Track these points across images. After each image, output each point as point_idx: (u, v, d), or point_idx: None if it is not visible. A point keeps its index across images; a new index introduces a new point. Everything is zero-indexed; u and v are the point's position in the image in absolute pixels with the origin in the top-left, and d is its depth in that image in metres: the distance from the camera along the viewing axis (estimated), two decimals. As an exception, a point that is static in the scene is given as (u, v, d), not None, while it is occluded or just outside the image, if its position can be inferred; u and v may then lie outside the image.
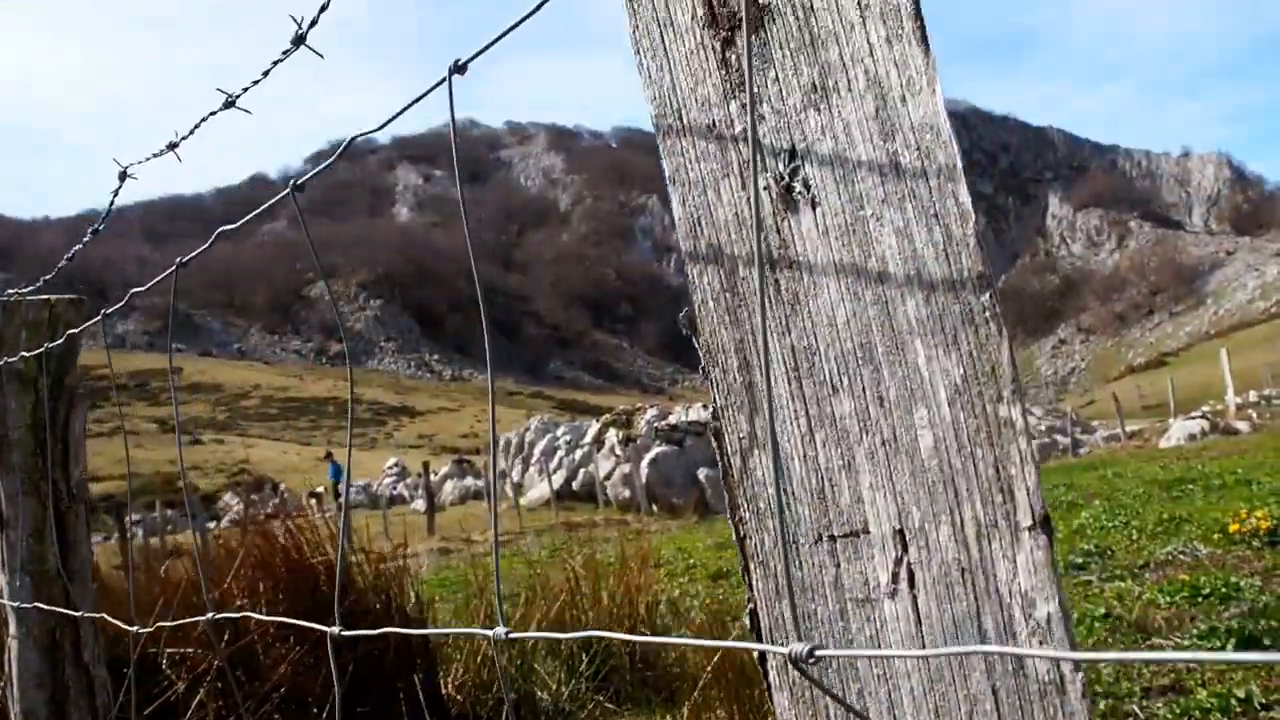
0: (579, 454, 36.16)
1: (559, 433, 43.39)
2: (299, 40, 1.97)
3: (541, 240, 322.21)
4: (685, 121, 1.21)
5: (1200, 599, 6.57)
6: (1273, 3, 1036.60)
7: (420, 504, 35.61)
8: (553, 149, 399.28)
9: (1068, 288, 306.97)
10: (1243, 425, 29.16)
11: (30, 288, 3.59)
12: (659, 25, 1.21)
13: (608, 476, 32.34)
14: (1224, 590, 6.60)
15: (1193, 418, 31.06)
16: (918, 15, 1.05)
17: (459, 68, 1.44)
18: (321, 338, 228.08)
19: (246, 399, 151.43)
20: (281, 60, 2.01)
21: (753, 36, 0.96)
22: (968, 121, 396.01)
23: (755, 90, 1.13)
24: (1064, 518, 12.05)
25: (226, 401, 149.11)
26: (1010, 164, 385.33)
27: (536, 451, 42.56)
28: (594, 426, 39.10)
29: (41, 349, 3.35)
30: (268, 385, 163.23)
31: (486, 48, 1.38)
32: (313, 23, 1.93)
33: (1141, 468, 18.65)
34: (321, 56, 1.98)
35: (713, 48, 1.16)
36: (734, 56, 1.15)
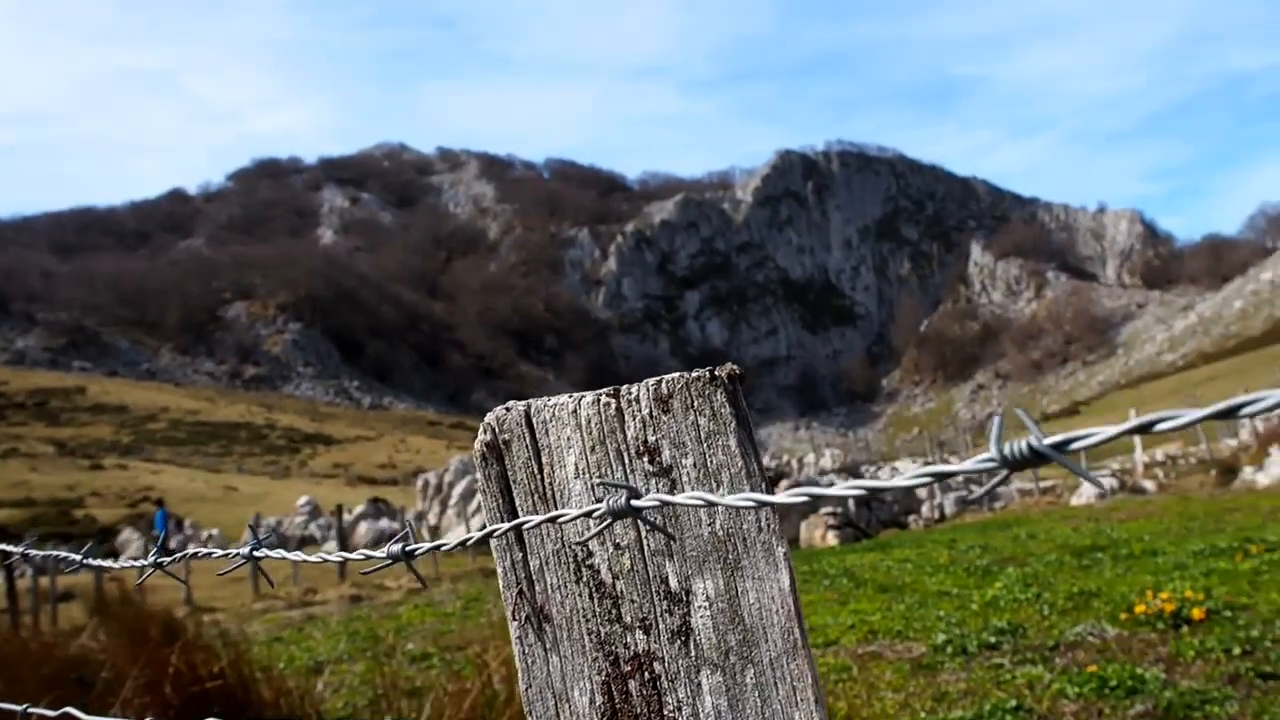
0: (499, 495, 35.96)
1: (479, 474, 43.07)
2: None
3: (469, 268, 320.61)
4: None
5: (1107, 690, 6.68)
6: (1191, 67, 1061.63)
7: (332, 545, 35.13)
8: (484, 177, 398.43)
9: (987, 334, 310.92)
10: (1150, 485, 29.74)
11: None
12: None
13: (527, 519, 32.18)
14: (1130, 683, 6.72)
15: (1102, 475, 31.55)
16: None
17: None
18: (236, 360, 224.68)
19: (154, 422, 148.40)
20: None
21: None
22: (896, 169, 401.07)
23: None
24: (979, 585, 12.21)
25: (132, 424, 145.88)
26: (935, 212, 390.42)
27: (455, 493, 42.12)
28: (514, 465, 38.87)
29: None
30: (177, 408, 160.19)
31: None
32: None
33: (1054, 528, 18.96)
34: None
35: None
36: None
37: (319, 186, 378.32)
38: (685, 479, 1.45)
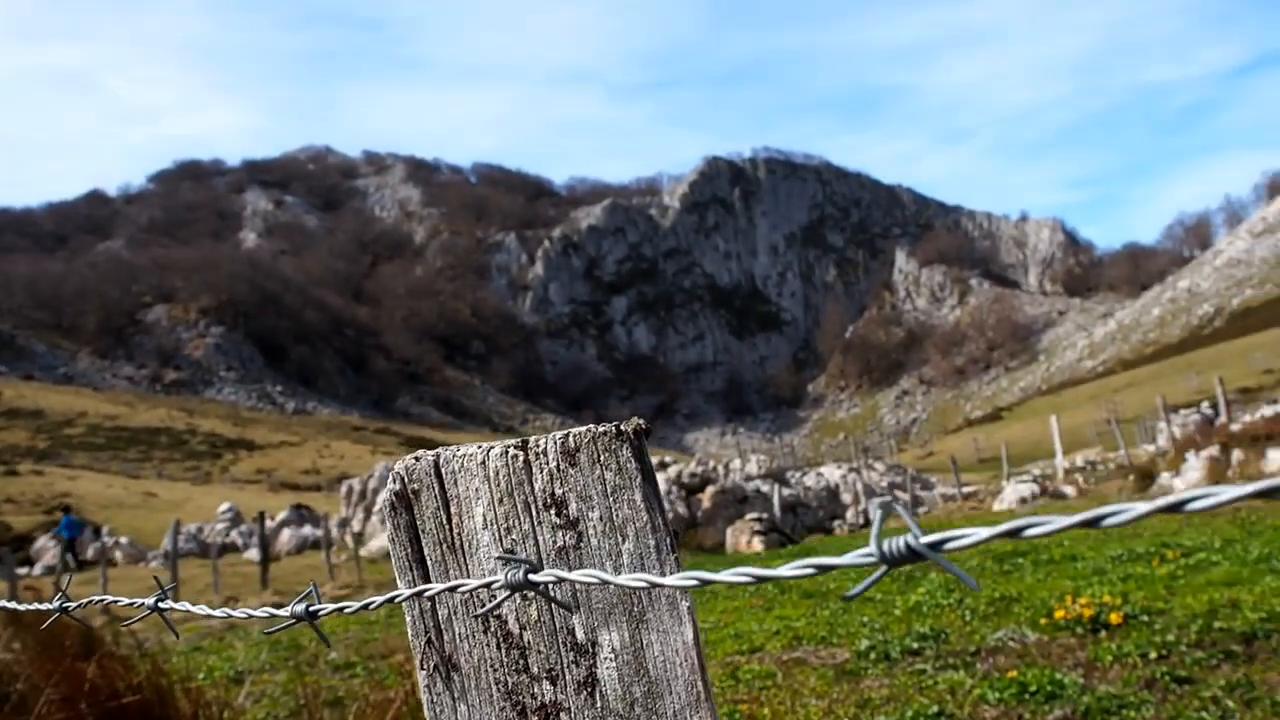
0: (424, 501, 35.60)
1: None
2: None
3: (395, 273, 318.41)
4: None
5: (1027, 695, 6.75)
6: (1111, 78, 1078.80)
7: (254, 553, 34.68)
8: (410, 181, 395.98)
9: (911, 341, 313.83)
10: (1070, 490, 30.14)
11: None
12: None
13: (452, 525, 31.90)
14: (1049, 688, 6.79)
15: (1024, 481, 31.92)
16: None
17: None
18: (157, 364, 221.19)
19: (71, 427, 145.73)
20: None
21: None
22: (822, 176, 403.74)
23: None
24: (902, 591, 12.29)
25: (48, 429, 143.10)
26: (861, 219, 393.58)
27: (380, 499, 41.75)
28: (440, 473, 38.56)
29: None
30: (95, 413, 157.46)
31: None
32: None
33: (976, 535, 19.08)
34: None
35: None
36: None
37: (242, 189, 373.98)
38: (592, 532, 1.45)
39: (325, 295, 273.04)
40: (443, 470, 1.55)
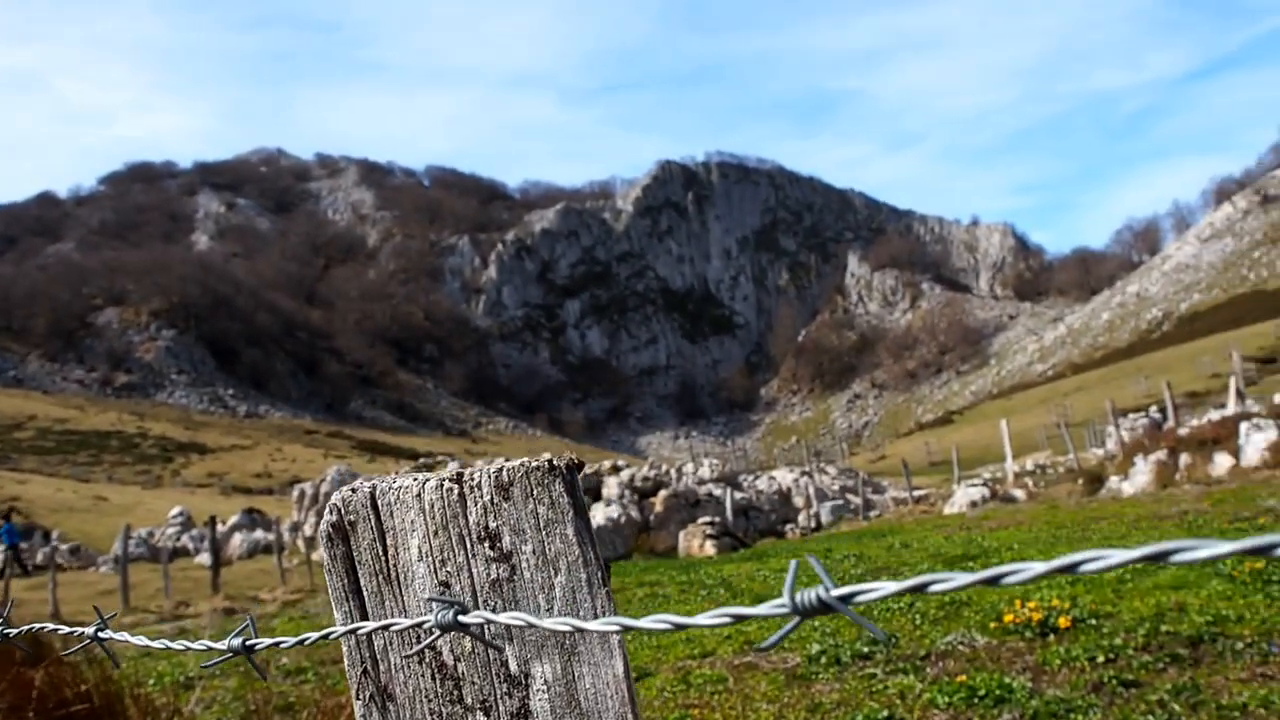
0: (376, 506, 35.27)
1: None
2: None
3: (347, 276, 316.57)
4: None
5: (976, 700, 6.78)
6: (1059, 85, 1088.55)
7: (206, 557, 34.39)
8: (363, 184, 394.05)
9: (864, 344, 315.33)
10: (1020, 493, 30.34)
11: None
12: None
13: (404, 531, 31.64)
14: (998, 692, 6.83)
15: (974, 484, 32.12)
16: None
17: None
18: (107, 367, 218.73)
19: (20, 430, 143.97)
20: None
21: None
22: (775, 180, 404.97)
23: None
24: (852, 596, 12.29)
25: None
26: (813, 223, 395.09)
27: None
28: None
29: None
30: (45, 416, 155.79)
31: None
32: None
33: (927, 537, 19.25)
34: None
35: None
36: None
37: (194, 191, 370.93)
38: (525, 565, 1.47)
39: (277, 298, 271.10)
40: (379, 502, 1.55)
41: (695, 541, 26.78)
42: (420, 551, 1.51)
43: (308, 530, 41.99)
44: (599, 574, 1.45)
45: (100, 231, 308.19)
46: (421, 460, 42.59)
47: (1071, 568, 0.92)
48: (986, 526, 19.91)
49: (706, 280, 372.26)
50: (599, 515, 29.29)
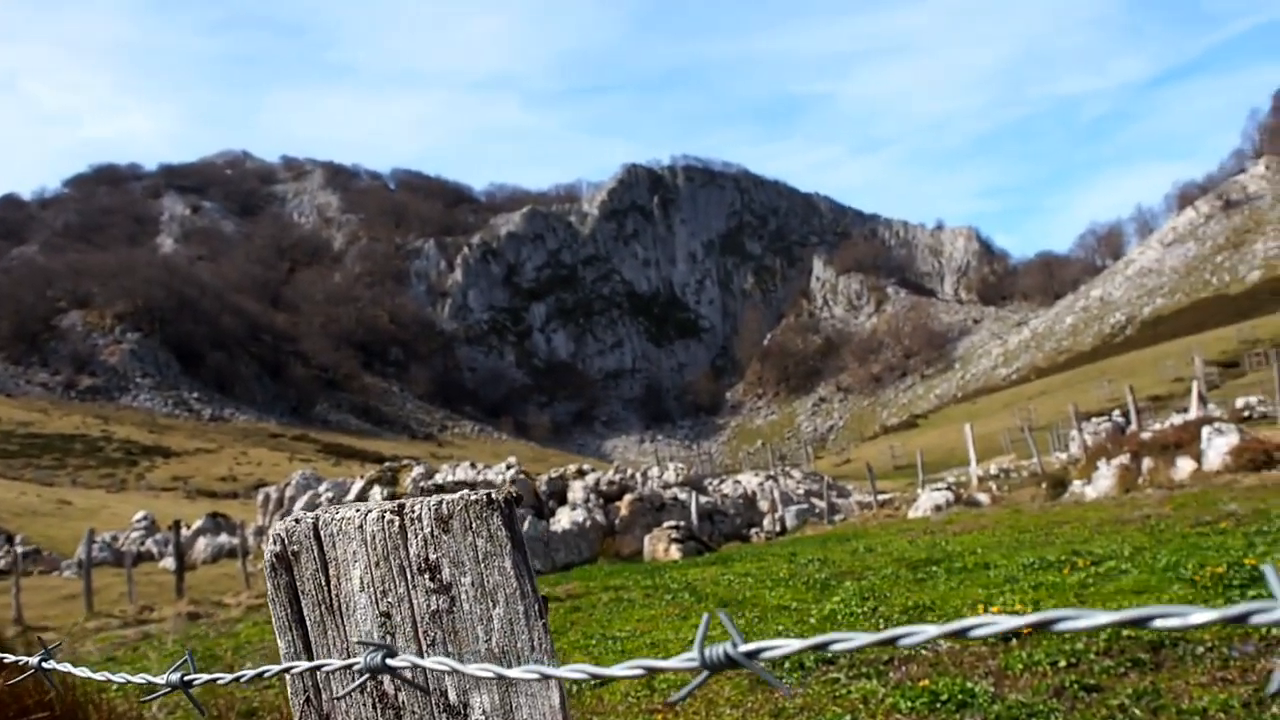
0: (340, 511, 35.07)
1: (321, 489, 42.30)
2: None
3: (313, 279, 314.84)
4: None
5: (939, 704, 6.81)
6: (1025, 89, 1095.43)
7: (170, 562, 34.19)
8: (329, 187, 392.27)
9: (829, 348, 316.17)
10: (984, 497, 30.49)
11: None
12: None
13: (369, 535, 31.46)
14: (960, 696, 6.88)
15: (938, 489, 32.28)
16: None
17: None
18: (71, 370, 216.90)
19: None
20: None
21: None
22: (740, 184, 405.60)
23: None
24: (817, 600, 12.37)
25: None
26: (779, 227, 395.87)
27: (296, 508, 41.37)
28: (358, 484, 38.30)
29: None
30: (8, 419, 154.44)
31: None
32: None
33: (891, 541, 19.32)
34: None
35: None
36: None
37: (159, 194, 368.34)
38: (464, 597, 1.47)
39: (242, 301, 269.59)
40: (321, 533, 1.55)
41: (660, 545, 26.79)
42: (362, 582, 1.51)
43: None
44: (536, 606, 1.46)
45: (64, 234, 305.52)
46: (387, 464, 42.38)
47: (963, 632, 0.99)
48: (950, 531, 20.01)
49: (672, 284, 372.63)
50: (565, 519, 29.27)
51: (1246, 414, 44.75)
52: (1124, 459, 25.56)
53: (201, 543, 45.11)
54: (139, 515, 53.29)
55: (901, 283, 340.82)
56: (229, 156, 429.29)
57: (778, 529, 34.88)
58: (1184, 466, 23.69)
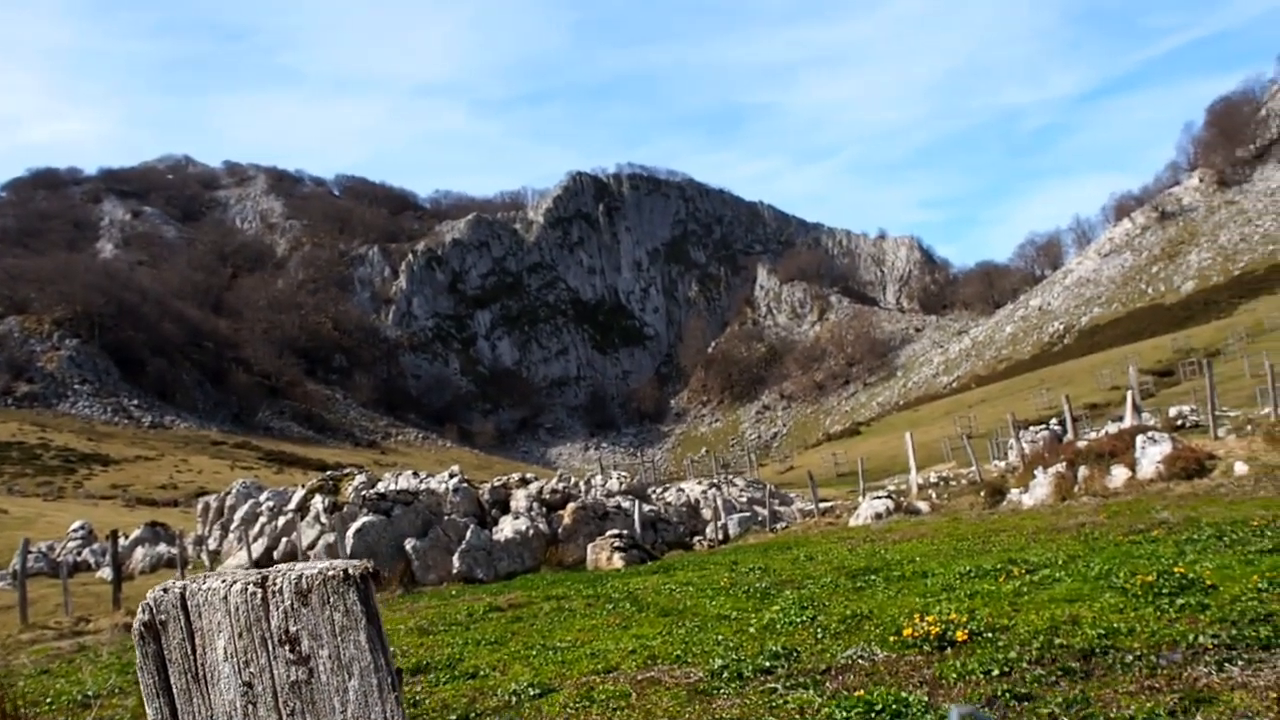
0: (282, 521, 34.83)
1: (262, 498, 41.86)
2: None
3: (255, 285, 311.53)
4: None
5: (874, 714, 6.90)
6: (967, 101, 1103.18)
7: (108, 572, 33.77)
8: (272, 192, 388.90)
9: (772, 356, 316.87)
10: (923, 505, 30.70)
11: None
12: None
13: (311, 546, 31.21)
14: (895, 706, 6.95)
15: (879, 496, 32.45)
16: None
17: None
18: (8, 377, 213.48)
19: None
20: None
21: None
22: (685, 193, 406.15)
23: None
24: (757, 609, 12.41)
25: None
26: (723, 236, 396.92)
27: (237, 517, 40.97)
28: (299, 492, 37.95)
29: None
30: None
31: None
32: None
33: (832, 549, 19.43)
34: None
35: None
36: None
37: (99, 198, 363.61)
38: (322, 669, 1.53)
39: (184, 307, 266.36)
40: (189, 603, 1.60)
41: (603, 554, 26.82)
42: (226, 652, 1.56)
43: (212, 544, 41.42)
44: (389, 679, 1.52)
45: (2, 239, 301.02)
46: (329, 473, 42.05)
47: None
48: (890, 539, 20.16)
49: (617, 291, 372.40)
50: (508, 528, 29.21)
51: (1180, 423, 45.37)
52: (1060, 467, 25.85)
53: (140, 552, 44.54)
54: (76, 524, 52.57)
55: (844, 291, 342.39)
56: (171, 161, 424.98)
57: (720, 537, 34.95)
58: (1119, 475, 23.99)
